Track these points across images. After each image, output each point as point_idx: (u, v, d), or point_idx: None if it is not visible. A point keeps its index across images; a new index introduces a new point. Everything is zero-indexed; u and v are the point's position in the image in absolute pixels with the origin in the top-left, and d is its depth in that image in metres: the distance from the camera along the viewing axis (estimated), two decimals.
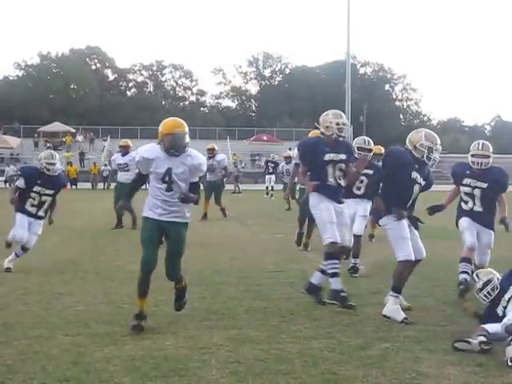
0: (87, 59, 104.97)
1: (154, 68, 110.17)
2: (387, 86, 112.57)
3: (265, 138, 74.89)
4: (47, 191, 11.11)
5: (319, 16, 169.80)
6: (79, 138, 70.14)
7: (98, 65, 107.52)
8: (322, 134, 9.04)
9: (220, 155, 21.34)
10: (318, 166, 8.85)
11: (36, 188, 11.04)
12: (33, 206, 11.09)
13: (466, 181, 9.63)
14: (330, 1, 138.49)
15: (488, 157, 9.53)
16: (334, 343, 6.84)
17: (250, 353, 6.44)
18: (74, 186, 48.39)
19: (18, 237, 11.07)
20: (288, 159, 27.81)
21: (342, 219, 8.84)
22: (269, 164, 41.10)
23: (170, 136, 7.22)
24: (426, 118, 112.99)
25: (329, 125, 8.86)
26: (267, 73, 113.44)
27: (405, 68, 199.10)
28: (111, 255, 13.05)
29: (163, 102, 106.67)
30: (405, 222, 8.19)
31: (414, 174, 8.20)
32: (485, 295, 7.62)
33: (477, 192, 9.56)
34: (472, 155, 9.57)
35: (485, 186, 9.50)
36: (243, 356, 6.32)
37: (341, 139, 8.92)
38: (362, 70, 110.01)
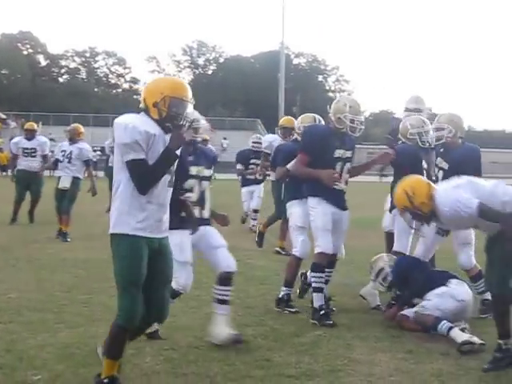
0: (19, 44, 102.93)
1: (87, 54, 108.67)
2: (320, 77, 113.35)
3: None
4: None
5: (254, 5, 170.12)
6: (12, 123, 68.81)
7: (30, 50, 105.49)
8: (329, 122, 7.64)
9: None
10: (324, 163, 7.41)
11: None
12: None
13: (438, 160, 8.07)
14: None
15: (442, 129, 7.88)
16: (267, 330, 6.94)
17: (184, 340, 6.49)
18: (4, 173, 47.72)
19: None
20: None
21: (340, 226, 7.63)
22: None
23: (174, 101, 4.78)
24: None
25: (341, 117, 7.38)
26: (201, 61, 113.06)
27: (338, 60, 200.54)
28: (43, 242, 12.93)
29: (96, 89, 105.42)
30: None
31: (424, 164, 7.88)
32: (380, 283, 7.82)
33: (440, 174, 7.91)
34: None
35: (446, 167, 7.90)
36: (177, 343, 6.37)
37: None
38: (295, 61, 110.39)
